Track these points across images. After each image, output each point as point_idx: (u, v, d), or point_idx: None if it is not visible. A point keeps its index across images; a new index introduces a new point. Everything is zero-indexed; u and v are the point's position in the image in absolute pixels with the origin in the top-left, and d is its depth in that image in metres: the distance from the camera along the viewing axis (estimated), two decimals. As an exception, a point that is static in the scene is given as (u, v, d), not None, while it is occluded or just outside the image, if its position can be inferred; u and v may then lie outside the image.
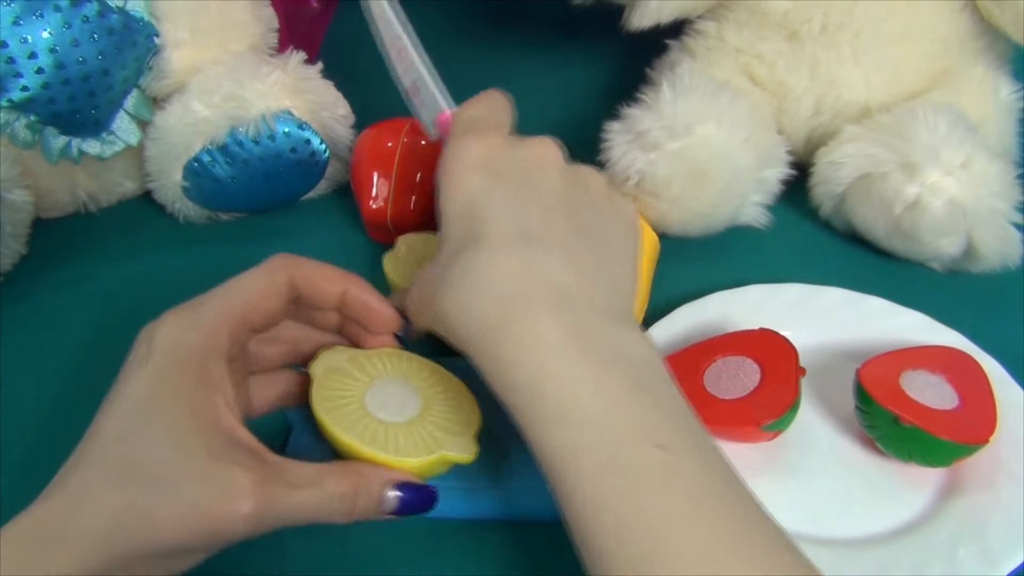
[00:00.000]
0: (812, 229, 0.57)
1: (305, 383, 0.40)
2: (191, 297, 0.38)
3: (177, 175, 0.57)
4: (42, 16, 0.50)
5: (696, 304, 0.50)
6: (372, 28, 0.45)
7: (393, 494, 0.36)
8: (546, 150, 0.39)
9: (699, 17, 0.60)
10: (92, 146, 0.56)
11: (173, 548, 0.33)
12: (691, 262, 0.55)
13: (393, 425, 0.38)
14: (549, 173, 0.38)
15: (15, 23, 0.50)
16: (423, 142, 0.56)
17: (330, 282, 0.40)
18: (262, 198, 0.58)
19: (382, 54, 0.45)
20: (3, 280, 0.57)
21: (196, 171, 0.56)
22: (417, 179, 0.55)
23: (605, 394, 0.33)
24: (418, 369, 0.41)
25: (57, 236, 0.60)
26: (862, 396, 0.42)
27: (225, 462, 0.34)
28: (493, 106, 0.42)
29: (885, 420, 0.41)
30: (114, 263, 0.59)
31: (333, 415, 0.37)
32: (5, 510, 0.32)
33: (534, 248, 0.35)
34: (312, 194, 0.61)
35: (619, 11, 0.57)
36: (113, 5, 0.52)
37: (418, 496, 0.37)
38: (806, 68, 0.56)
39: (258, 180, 0.56)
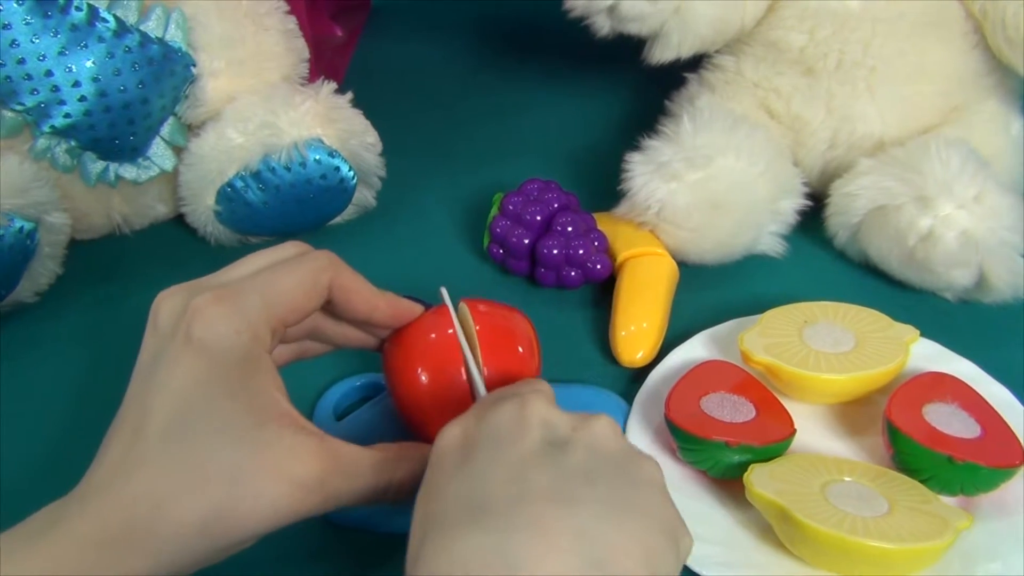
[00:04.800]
0: (827, 258, 0.58)
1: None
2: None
3: (210, 199, 0.58)
4: (86, 47, 0.52)
5: (713, 330, 0.52)
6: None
7: None
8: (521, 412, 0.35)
9: (718, 51, 0.61)
10: (129, 171, 0.58)
11: (249, 540, 0.34)
12: (708, 289, 0.56)
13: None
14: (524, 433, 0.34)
15: (61, 53, 0.52)
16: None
17: (363, 301, 0.41)
18: (291, 222, 0.60)
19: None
20: (39, 299, 0.58)
21: (229, 196, 0.58)
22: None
23: None
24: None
25: (92, 257, 0.62)
26: (900, 439, 0.42)
27: (291, 457, 0.34)
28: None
29: (934, 462, 0.41)
30: (146, 284, 0.58)
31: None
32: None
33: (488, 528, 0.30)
34: (339, 219, 0.62)
35: (640, 43, 0.59)
36: (153, 36, 0.54)
37: None
38: (822, 103, 0.58)
39: (289, 205, 0.58)
